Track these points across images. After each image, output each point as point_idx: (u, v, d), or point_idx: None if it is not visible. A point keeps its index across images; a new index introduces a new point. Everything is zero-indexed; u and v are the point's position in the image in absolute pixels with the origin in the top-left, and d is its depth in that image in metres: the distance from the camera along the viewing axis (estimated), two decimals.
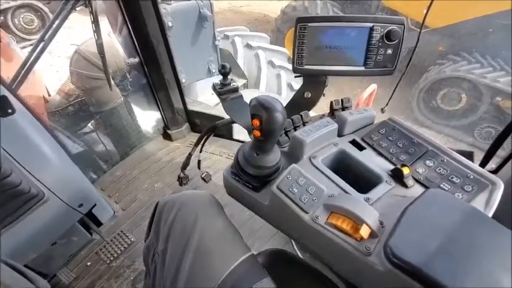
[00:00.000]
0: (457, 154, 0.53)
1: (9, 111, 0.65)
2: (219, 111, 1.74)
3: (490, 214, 0.46)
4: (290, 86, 2.80)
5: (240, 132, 1.75)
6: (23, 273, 0.52)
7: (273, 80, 2.83)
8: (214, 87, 0.81)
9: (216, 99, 2.14)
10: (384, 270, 0.40)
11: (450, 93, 2.97)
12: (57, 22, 1.14)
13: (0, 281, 0.46)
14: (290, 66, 2.90)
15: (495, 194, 0.47)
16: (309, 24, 0.65)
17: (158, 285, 0.52)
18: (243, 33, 3.07)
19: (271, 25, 4.38)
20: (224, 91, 0.79)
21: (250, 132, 0.72)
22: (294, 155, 0.58)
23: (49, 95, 1.75)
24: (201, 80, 1.81)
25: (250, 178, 0.55)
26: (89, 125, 1.76)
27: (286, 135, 0.63)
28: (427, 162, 0.53)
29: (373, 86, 1.64)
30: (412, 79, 3.12)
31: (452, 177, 0.50)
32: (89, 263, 1.17)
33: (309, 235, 0.48)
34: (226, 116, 0.87)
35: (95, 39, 1.25)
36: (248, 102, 0.76)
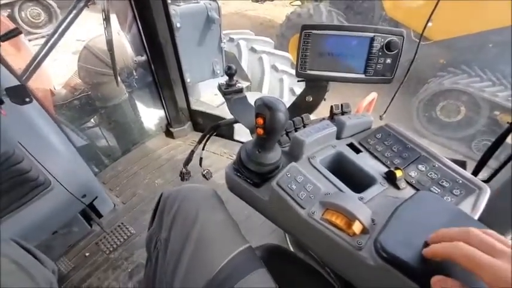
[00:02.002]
0: (448, 160, 0.56)
1: (27, 99, 0.68)
2: (222, 111, 1.78)
3: (476, 217, 0.49)
4: (292, 91, 2.84)
5: (240, 134, 1.78)
6: (33, 253, 0.55)
7: (276, 84, 2.87)
8: (219, 87, 0.84)
9: (218, 100, 2.17)
10: (374, 264, 0.42)
11: (449, 105, 3.01)
12: (69, 17, 1.17)
13: (12, 259, 0.48)
14: (293, 71, 2.96)
15: (481, 198, 0.50)
16: (313, 32, 0.68)
17: (160, 271, 0.55)
18: (248, 36, 3.12)
19: (276, 30, 4.43)
20: (229, 91, 0.82)
21: (252, 131, 0.76)
22: (293, 154, 0.61)
23: (54, 89, 1.79)
24: (204, 81, 1.85)
25: (252, 174, 0.58)
26: (92, 120, 1.79)
27: (287, 135, 0.66)
28: (420, 166, 0.56)
29: (373, 95, 1.67)
30: (412, 89, 3.16)
31: (442, 182, 0.53)
32: (87, 254, 1.19)
33: (305, 230, 0.50)
34: (229, 117, 0.90)
35: (104, 36, 1.28)
36: (251, 103, 0.79)
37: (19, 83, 0.78)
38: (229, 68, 0.79)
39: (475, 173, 0.89)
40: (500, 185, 0.88)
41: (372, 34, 0.66)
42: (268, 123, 0.49)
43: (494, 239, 0.34)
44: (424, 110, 3.15)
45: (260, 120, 0.49)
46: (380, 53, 0.67)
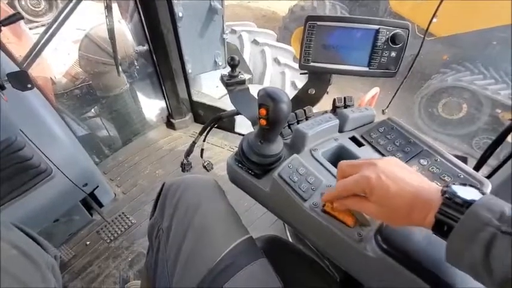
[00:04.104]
0: (450, 155, 0.56)
1: (29, 86, 0.68)
2: (224, 103, 1.77)
3: None
4: (293, 84, 2.83)
5: (241, 126, 1.78)
6: (36, 239, 0.55)
7: (277, 77, 2.86)
8: (222, 78, 0.83)
9: (220, 91, 2.16)
10: (374, 256, 0.43)
11: (451, 102, 3.00)
12: (70, 6, 1.16)
13: (15, 244, 0.49)
14: (294, 65, 2.93)
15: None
16: (318, 23, 0.67)
17: (161, 259, 0.56)
18: (250, 29, 3.09)
19: (279, 23, 4.39)
20: (232, 82, 0.82)
21: (253, 123, 0.75)
22: (295, 146, 0.60)
23: (54, 77, 1.77)
24: (206, 72, 1.83)
25: (253, 165, 0.58)
26: (92, 110, 1.78)
27: (289, 128, 0.65)
28: (421, 161, 0.56)
29: (376, 89, 1.67)
30: (415, 86, 3.15)
31: (443, 176, 0.53)
32: (88, 242, 1.20)
33: (306, 221, 0.51)
34: (230, 109, 0.90)
35: (106, 25, 1.27)
36: (253, 95, 0.78)
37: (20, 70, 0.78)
38: (232, 59, 0.78)
39: (476, 169, 0.89)
40: (500, 182, 0.88)
41: (377, 26, 0.65)
42: (272, 114, 0.49)
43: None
44: (426, 106, 3.15)
45: (263, 111, 0.49)
46: (385, 46, 0.67)
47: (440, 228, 0.32)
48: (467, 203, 0.31)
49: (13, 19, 0.72)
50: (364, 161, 0.41)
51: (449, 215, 0.32)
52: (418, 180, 0.37)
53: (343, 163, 0.44)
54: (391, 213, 0.37)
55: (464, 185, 0.34)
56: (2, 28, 0.75)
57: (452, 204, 0.32)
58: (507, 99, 2.71)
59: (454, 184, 0.34)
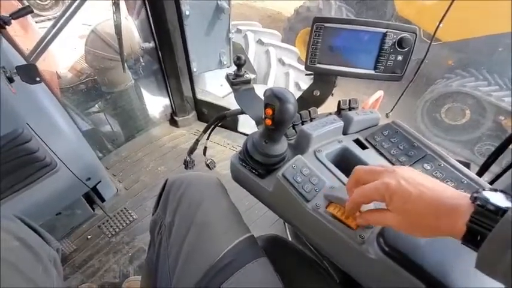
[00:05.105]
0: (454, 160, 0.57)
1: (38, 79, 0.68)
2: (228, 102, 1.77)
3: None
4: (297, 85, 2.83)
5: (244, 126, 1.78)
6: (38, 232, 0.56)
7: (281, 77, 2.86)
8: (227, 77, 0.83)
9: (224, 90, 2.16)
10: (376, 258, 0.43)
11: (454, 107, 2.99)
12: (77, 1, 1.16)
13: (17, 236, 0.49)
14: (299, 66, 2.92)
15: None
16: (325, 25, 0.68)
17: (163, 255, 0.56)
18: (255, 28, 3.09)
19: (284, 23, 4.38)
20: (237, 82, 0.82)
21: (258, 123, 0.76)
22: (299, 147, 0.61)
23: (60, 72, 1.78)
24: (210, 71, 1.83)
25: (257, 165, 0.58)
26: (96, 105, 1.79)
27: (294, 128, 0.66)
28: (425, 165, 0.56)
29: (380, 93, 1.66)
30: (418, 90, 3.14)
31: (447, 181, 0.53)
32: (89, 236, 1.21)
33: (308, 222, 0.51)
34: (234, 108, 0.90)
35: (113, 20, 1.27)
36: (258, 95, 0.79)
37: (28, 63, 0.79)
38: (238, 58, 0.79)
39: (479, 176, 0.89)
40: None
41: (384, 30, 0.65)
42: (277, 114, 0.49)
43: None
44: (429, 111, 3.13)
45: (269, 111, 0.49)
46: (391, 50, 0.67)
47: (473, 237, 0.30)
48: (502, 210, 0.29)
49: (23, 12, 0.73)
50: (384, 168, 0.39)
51: (483, 223, 0.30)
52: (439, 185, 0.35)
53: (360, 169, 0.42)
54: (415, 221, 0.35)
55: (495, 190, 0.32)
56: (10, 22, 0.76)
57: (485, 212, 0.30)
58: (510, 106, 2.70)
59: (484, 190, 0.32)
